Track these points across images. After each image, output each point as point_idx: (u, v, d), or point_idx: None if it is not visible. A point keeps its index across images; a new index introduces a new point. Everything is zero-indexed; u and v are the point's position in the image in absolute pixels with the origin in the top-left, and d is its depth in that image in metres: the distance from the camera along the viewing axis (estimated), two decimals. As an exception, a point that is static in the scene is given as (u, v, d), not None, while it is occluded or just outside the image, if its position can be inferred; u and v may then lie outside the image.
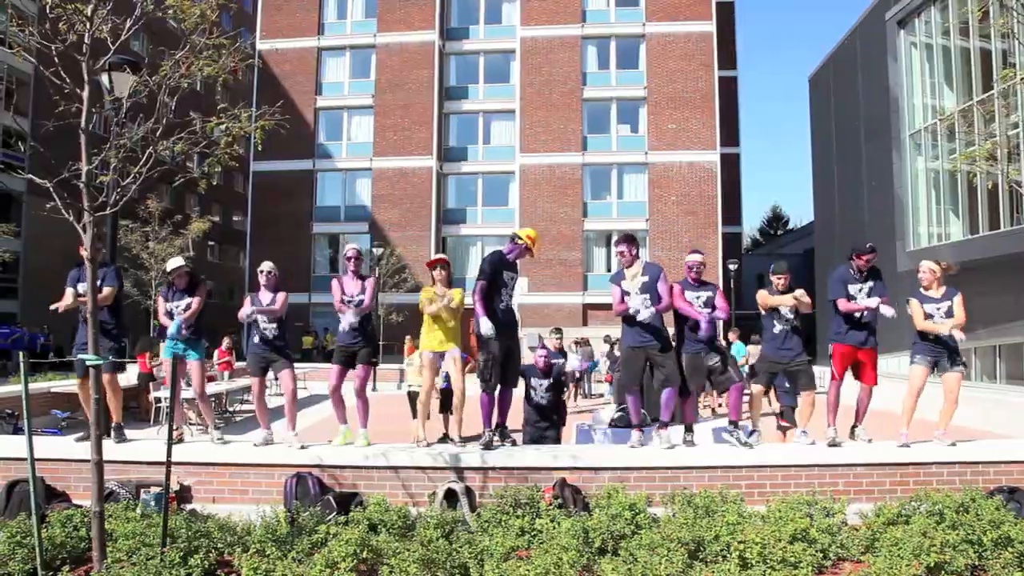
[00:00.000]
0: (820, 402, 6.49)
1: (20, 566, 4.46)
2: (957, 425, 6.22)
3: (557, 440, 7.34)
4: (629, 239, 6.26)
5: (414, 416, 9.77)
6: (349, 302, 6.38)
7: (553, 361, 7.72)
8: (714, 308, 6.24)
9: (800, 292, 6.25)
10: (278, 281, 6.65)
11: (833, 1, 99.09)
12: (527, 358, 6.72)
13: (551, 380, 7.30)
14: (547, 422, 7.28)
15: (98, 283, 6.39)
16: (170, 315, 6.57)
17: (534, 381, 7.25)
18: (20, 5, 22.40)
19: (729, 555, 4.46)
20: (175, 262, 6.71)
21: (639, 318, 5.96)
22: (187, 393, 9.07)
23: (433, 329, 6.48)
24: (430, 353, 6.48)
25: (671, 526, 4.82)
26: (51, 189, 4.28)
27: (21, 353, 4.49)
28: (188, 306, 6.55)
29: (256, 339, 6.48)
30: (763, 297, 6.46)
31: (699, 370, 6.24)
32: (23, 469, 4.79)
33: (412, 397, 9.93)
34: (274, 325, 6.48)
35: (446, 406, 9.57)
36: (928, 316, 6.18)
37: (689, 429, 6.40)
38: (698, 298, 6.24)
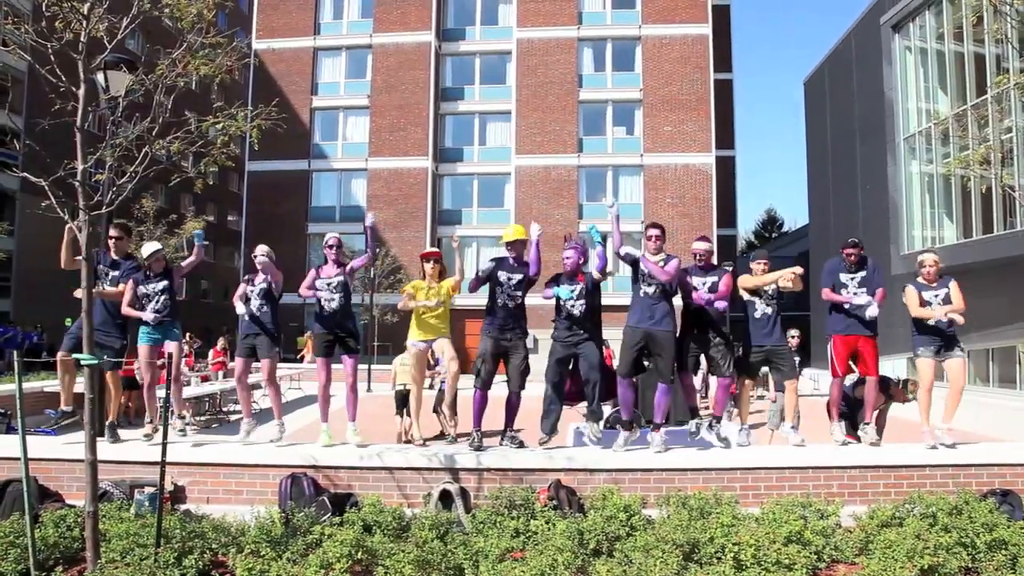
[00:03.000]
0: (819, 403, 6.54)
1: (13, 566, 4.44)
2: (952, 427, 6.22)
3: (599, 355, 6.26)
4: (662, 228, 6.36)
5: (397, 413, 9.79)
6: (327, 286, 6.37)
7: (586, 271, 6.41)
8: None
9: (796, 268, 6.40)
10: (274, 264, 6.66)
11: (828, 5, 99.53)
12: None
13: (583, 285, 6.19)
14: (583, 330, 6.21)
15: (118, 275, 6.51)
16: (139, 301, 6.49)
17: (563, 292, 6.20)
18: (15, 2, 22.30)
19: (724, 557, 4.47)
20: (151, 246, 6.72)
21: (622, 250, 6.09)
22: (184, 393, 9.02)
23: (416, 321, 6.57)
24: (417, 343, 6.54)
25: (666, 528, 4.83)
26: (46, 188, 4.27)
27: (15, 352, 4.48)
28: (164, 288, 6.50)
29: (246, 317, 6.46)
30: (745, 280, 6.53)
31: (699, 343, 6.32)
32: (16, 469, 4.76)
33: (399, 396, 9.90)
34: (261, 302, 6.46)
35: (437, 406, 9.58)
36: (925, 303, 6.20)
37: (692, 413, 6.47)
38: (704, 284, 6.32)
